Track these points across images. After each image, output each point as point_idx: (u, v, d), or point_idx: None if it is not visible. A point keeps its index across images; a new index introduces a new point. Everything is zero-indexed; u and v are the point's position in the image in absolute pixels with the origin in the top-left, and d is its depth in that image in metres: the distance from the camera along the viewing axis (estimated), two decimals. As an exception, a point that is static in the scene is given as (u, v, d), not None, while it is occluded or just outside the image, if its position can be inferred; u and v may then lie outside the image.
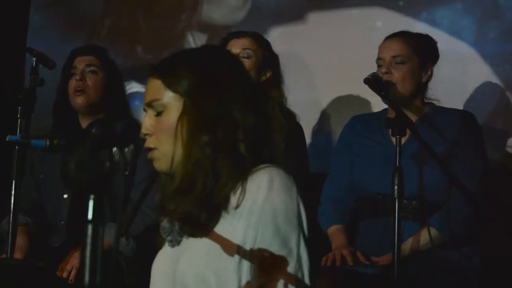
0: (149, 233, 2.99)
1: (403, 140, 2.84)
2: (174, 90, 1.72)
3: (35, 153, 3.19)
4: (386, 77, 2.89)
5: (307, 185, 2.99)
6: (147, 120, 1.75)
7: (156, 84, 1.75)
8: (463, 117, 2.97)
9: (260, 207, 1.64)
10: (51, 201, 3.16)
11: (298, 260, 1.65)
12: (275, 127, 1.77)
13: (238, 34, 3.21)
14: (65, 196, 3.11)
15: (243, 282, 1.64)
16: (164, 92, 1.73)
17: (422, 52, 2.96)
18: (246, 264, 1.64)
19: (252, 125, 1.70)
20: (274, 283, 1.62)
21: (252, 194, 1.66)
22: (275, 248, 1.64)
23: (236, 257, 1.64)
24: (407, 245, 2.78)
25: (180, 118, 1.70)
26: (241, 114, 1.70)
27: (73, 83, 3.15)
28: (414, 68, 2.94)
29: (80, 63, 3.17)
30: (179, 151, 1.71)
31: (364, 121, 3.11)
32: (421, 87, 2.98)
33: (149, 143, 1.75)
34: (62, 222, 3.10)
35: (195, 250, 1.70)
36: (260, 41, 3.21)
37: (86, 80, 3.14)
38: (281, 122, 1.78)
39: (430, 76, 2.99)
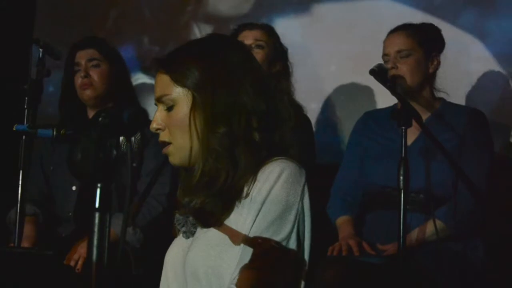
0: (156, 224, 3.02)
1: (414, 137, 2.86)
2: (182, 85, 1.71)
3: (45, 144, 3.20)
4: (393, 72, 2.90)
5: (314, 177, 2.99)
6: (158, 114, 1.75)
7: (163, 79, 1.74)
8: (473, 114, 2.98)
9: (263, 197, 1.64)
10: (59, 192, 3.18)
11: (284, 253, 1.64)
12: (283, 116, 1.76)
13: (251, 26, 3.20)
14: (74, 188, 3.13)
15: (239, 267, 1.63)
16: (172, 87, 1.72)
17: (426, 42, 2.96)
18: (245, 250, 1.64)
19: (263, 112, 1.70)
20: (258, 271, 1.61)
21: (259, 184, 1.66)
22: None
23: (241, 244, 1.64)
24: (413, 235, 2.79)
25: (191, 112, 1.70)
26: (251, 101, 1.69)
27: (78, 81, 3.16)
28: (419, 59, 2.94)
29: (82, 58, 3.17)
30: (196, 145, 1.70)
31: (376, 116, 3.13)
32: (429, 77, 2.98)
33: (163, 137, 1.74)
34: (70, 214, 3.12)
35: (206, 241, 1.69)
36: (271, 33, 3.21)
37: (90, 76, 3.15)
38: (289, 112, 1.77)
39: (437, 65, 2.99)
